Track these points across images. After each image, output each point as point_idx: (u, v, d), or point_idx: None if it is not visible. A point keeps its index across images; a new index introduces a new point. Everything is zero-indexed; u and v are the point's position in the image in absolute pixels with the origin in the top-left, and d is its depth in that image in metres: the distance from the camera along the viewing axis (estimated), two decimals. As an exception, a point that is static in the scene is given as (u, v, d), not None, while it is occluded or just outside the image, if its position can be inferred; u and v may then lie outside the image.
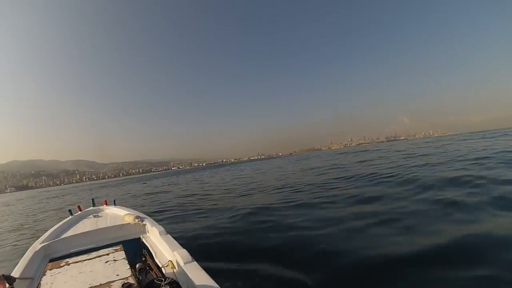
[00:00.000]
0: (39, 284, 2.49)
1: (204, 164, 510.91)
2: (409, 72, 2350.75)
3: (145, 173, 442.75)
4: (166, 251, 3.32)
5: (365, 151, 44.81)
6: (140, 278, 3.23)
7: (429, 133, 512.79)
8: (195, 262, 2.70)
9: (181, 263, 2.72)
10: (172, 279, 2.51)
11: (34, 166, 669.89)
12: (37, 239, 4.14)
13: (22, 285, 2.85)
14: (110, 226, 4.32)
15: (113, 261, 2.73)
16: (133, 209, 5.42)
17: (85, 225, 4.82)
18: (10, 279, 2.39)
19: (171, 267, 2.95)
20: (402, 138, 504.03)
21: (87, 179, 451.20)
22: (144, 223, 4.21)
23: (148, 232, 4.15)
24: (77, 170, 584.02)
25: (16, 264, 3.22)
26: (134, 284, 2.25)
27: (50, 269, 2.73)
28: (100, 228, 4.29)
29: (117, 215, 5.28)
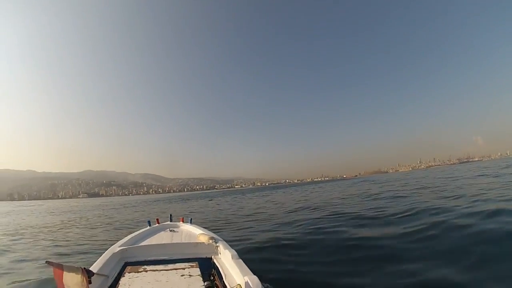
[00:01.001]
0: (118, 283, 2.80)
1: (267, 184, 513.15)
2: (481, 90, 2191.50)
3: (209, 189, 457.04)
4: (236, 274, 3.37)
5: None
6: None
7: (507, 154, 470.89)
8: None
9: None
10: None
11: (106, 176, 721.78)
12: (116, 242, 4.65)
13: (97, 280, 3.13)
14: (185, 243, 4.64)
15: (189, 276, 2.94)
16: (208, 229, 5.59)
17: (161, 237, 5.24)
18: (90, 273, 2.66)
19: None
20: (476, 159, 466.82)
21: (153, 192, 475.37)
22: (217, 244, 4.31)
23: (220, 253, 4.25)
24: (145, 182, 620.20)
25: (94, 262, 3.61)
26: None
27: (129, 272, 3.07)
28: (175, 243, 4.62)
29: (192, 233, 5.54)
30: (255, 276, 2.92)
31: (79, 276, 2.47)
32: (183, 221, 6.52)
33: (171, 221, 6.65)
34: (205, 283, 3.28)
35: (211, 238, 4.42)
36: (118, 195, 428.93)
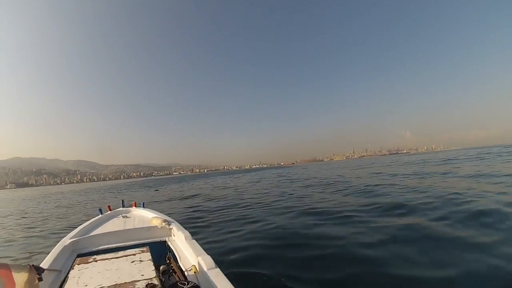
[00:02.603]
0: (67, 277, 2.63)
1: (206, 171, 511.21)
2: (412, 87, 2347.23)
3: (146, 176, 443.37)
4: (190, 256, 3.38)
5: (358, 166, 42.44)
6: (163, 280, 3.25)
7: (432, 148, 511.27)
8: (218, 269, 2.74)
9: (204, 269, 2.78)
10: (195, 283, 2.53)
11: (35, 164, 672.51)
12: (66, 234, 4.34)
13: (49, 276, 3.01)
14: (138, 228, 4.49)
15: (139, 262, 2.83)
16: (160, 212, 5.51)
17: (114, 225, 4.97)
18: (39, 270, 2.50)
19: (194, 272, 2.99)
20: (405, 151, 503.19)
21: (87, 180, 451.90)
22: (170, 227, 4.29)
23: (174, 235, 4.24)
24: (78, 170, 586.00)
25: (45, 257, 3.39)
26: (158, 285, 2.34)
27: (78, 264, 2.87)
28: (127, 229, 4.45)
29: (145, 217, 5.42)
30: (208, 256, 2.99)
31: (27, 274, 2.36)
32: (135, 206, 6.39)
33: (123, 206, 6.47)
34: (161, 267, 3.38)
35: (164, 221, 4.38)
36: (50, 184, 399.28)
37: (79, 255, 3.73)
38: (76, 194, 42.32)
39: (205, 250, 3.25)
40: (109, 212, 6.09)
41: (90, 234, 4.35)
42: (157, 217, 4.74)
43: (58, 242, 3.98)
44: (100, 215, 5.69)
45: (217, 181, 39.09)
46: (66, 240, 4.00)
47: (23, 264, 2.37)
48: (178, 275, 3.31)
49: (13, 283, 2.23)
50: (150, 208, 6.05)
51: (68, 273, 3.00)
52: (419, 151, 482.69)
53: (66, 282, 2.50)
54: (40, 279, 2.44)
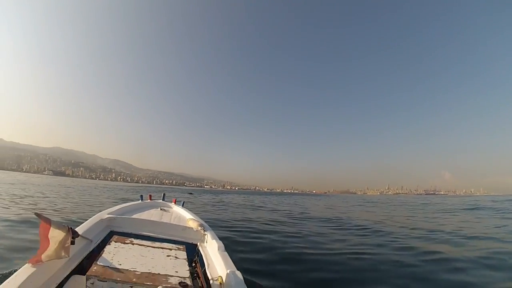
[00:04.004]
0: (103, 251, 2.71)
1: (237, 188, 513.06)
2: (455, 127, 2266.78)
3: (178, 185, 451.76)
4: (219, 266, 3.29)
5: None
6: None
7: (471, 191, 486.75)
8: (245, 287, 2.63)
9: (231, 283, 2.68)
10: None
11: (75, 156, 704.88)
12: (105, 209, 4.63)
13: (81, 243, 3.15)
14: (174, 224, 4.49)
15: (175, 258, 2.84)
16: (198, 216, 5.41)
17: (151, 214, 5.13)
18: (75, 234, 2.66)
19: (220, 283, 2.86)
20: (442, 193, 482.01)
21: (121, 179, 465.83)
22: (205, 232, 4.23)
23: (206, 242, 4.16)
24: (114, 169, 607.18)
25: (80, 224, 3.58)
26: (190, 286, 2.34)
27: (116, 241, 2.98)
28: (164, 222, 4.51)
29: (182, 216, 5.44)
30: (238, 271, 2.87)
31: (65, 234, 2.45)
32: (175, 203, 6.45)
33: (163, 200, 6.66)
34: (189, 268, 3.18)
35: (200, 225, 4.35)
36: (85, 177, 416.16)
37: (113, 232, 3.94)
38: (122, 190, 43.31)
39: (236, 265, 3.12)
40: (149, 200, 6.31)
41: (128, 216, 4.53)
42: (194, 219, 4.75)
43: (95, 214, 4.16)
44: (140, 201, 5.98)
45: (268, 201, 38.66)
46: (104, 215, 4.19)
47: (63, 224, 2.54)
48: (201, 281, 3.31)
49: (47, 237, 2.42)
50: (188, 209, 6.02)
51: (97, 245, 3.43)
52: (457, 193, 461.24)
53: (101, 255, 2.58)
54: (72, 243, 2.57)
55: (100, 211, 4.59)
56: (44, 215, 2.48)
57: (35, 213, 2.50)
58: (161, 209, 5.74)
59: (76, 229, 3.01)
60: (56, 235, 2.43)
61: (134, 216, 4.70)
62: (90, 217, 3.94)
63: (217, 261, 3.41)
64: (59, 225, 2.48)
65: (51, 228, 2.43)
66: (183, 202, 6.49)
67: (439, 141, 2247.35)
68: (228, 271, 2.87)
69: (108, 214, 4.28)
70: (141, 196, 6.30)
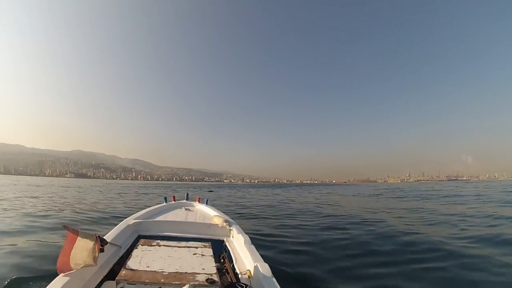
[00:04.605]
0: (130, 255, 2.83)
1: (256, 181, 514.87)
2: (475, 109, 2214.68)
3: (197, 181, 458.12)
4: (246, 260, 3.34)
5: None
6: None
7: (494, 176, 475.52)
8: (274, 279, 2.64)
9: (260, 276, 2.72)
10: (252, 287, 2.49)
11: (95, 158, 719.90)
12: (131, 215, 4.75)
13: (110, 249, 3.25)
14: (199, 222, 4.67)
15: (201, 256, 2.93)
16: (223, 212, 5.53)
17: (176, 215, 5.30)
18: (103, 242, 2.74)
19: (248, 276, 2.94)
20: (464, 178, 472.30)
21: (141, 178, 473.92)
22: (231, 228, 4.29)
23: (233, 237, 4.21)
24: (133, 168, 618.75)
25: (108, 231, 3.68)
26: (217, 281, 2.40)
27: (142, 245, 3.11)
28: (189, 221, 4.72)
29: (207, 213, 5.61)
30: (266, 264, 2.89)
31: (93, 243, 2.53)
32: (199, 201, 6.58)
33: (187, 199, 6.76)
34: (215, 265, 3.20)
35: (225, 221, 4.42)
36: (106, 178, 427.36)
37: (140, 236, 4.04)
38: (142, 188, 44.26)
39: (263, 258, 3.16)
40: (173, 202, 6.41)
41: (154, 219, 4.69)
42: (219, 216, 4.85)
43: (122, 220, 4.31)
44: (164, 203, 6.14)
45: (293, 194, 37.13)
46: (130, 220, 4.33)
47: (91, 233, 2.61)
48: (230, 276, 3.32)
49: (72, 246, 2.50)
50: (212, 206, 6.14)
51: (126, 250, 3.53)
52: (480, 178, 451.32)
53: (129, 259, 2.70)
54: (102, 250, 2.64)
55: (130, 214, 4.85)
56: (72, 227, 2.58)
57: (63, 226, 2.63)
58: (185, 209, 5.89)
59: (105, 237, 3.17)
60: (83, 244, 2.51)
61: (160, 218, 4.89)
62: (118, 224, 4.12)
63: (244, 255, 3.46)
64: (86, 235, 2.56)
65: (78, 238, 2.53)
66: (207, 200, 6.66)
67: (459, 123, 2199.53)
68: (256, 264, 2.89)
69: (135, 219, 4.41)
70: (165, 198, 6.48)
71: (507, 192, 26.89)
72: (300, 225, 9.86)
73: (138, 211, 5.10)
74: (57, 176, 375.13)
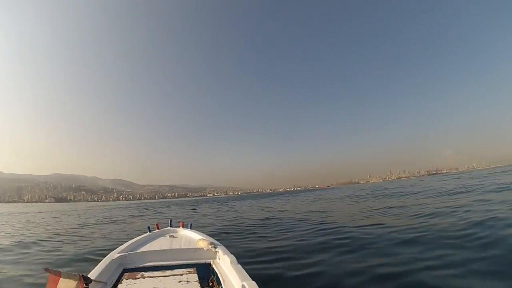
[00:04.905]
0: None
1: (240, 193, 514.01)
2: (452, 102, 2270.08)
3: (180, 197, 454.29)
4: (234, 280, 3.30)
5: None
6: None
7: (473, 166, 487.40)
8: None
9: None
10: None
11: (75, 180, 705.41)
12: (114, 249, 4.47)
13: (95, 287, 3.08)
14: (184, 248, 4.57)
15: (186, 282, 2.97)
16: (207, 234, 5.51)
17: (161, 243, 5.10)
18: (87, 280, 2.70)
19: None
20: (444, 171, 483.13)
21: (124, 198, 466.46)
22: (216, 250, 4.21)
23: (219, 259, 4.13)
24: (115, 188, 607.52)
25: (93, 268, 3.49)
26: None
27: (127, 279, 3.09)
28: (174, 248, 4.57)
29: (191, 238, 5.44)
30: (253, 281, 2.84)
31: (76, 282, 2.52)
32: (183, 226, 6.42)
33: (171, 226, 6.58)
34: None
35: (211, 243, 4.34)
36: (87, 200, 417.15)
37: (125, 270, 3.91)
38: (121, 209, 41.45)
39: (250, 276, 3.14)
40: (157, 230, 6.23)
41: (138, 251, 4.47)
42: (204, 239, 4.78)
43: (106, 255, 4.11)
44: (148, 233, 5.85)
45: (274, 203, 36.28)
46: (114, 254, 4.12)
47: (74, 273, 2.59)
48: None
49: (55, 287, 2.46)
50: (197, 230, 6.11)
51: (112, 285, 3.38)
52: (460, 170, 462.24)
53: None
54: None
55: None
56: (54, 269, 2.53)
57: (45, 269, 2.54)
58: (170, 236, 5.73)
59: (89, 274, 3.05)
60: (66, 285, 2.48)
61: (144, 249, 4.68)
62: (102, 259, 3.93)
63: (232, 276, 3.43)
64: (69, 275, 2.53)
65: (61, 279, 2.48)
66: (190, 224, 6.42)
67: (435, 118, 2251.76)
68: (243, 283, 2.84)
69: (119, 253, 4.21)
70: (148, 227, 6.20)
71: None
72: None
73: (122, 244, 4.86)
74: (36, 201, 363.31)
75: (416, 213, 11.77)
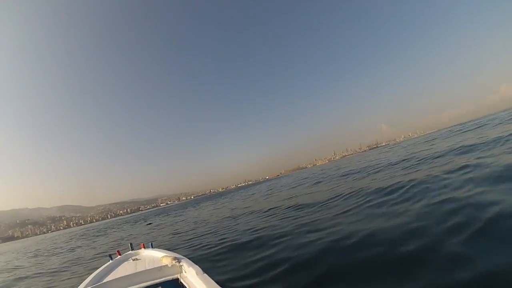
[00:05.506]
0: None
1: (193, 197, 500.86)
2: (377, 78, 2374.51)
3: (133, 212, 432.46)
4: None
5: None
6: None
7: (409, 135, 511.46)
8: None
9: None
10: None
11: (18, 215, 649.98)
12: (79, 284, 4.34)
13: None
14: (149, 269, 4.44)
15: None
16: (169, 250, 5.58)
17: (125, 269, 4.94)
18: None
19: None
20: (384, 144, 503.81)
21: (74, 225, 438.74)
22: (181, 263, 4.25)
23: (185, 272, 4.17)
24: (63, 216, 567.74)
25: None
26: None
27: None
28: (139, 271, 4.41)
29: (155, 257, 5.38)
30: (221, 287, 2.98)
31: None
32: (144, 247, 6.32)
33: (132, 249, 6.44)
34: None
35: (174, 258, 4.36)
36: (36, 234, 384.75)
37: None
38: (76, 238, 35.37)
39: (217, 283, 3.35)
40: (119, 256, 5.99)
41: (103, 281, 4.33)
42: (167, 255, 4.72)
43: None
44: (111, 261, 5.61)
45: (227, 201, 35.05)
46: None
47: None
48: None
49: None
50: (158, 248, 6.12)
51: None
52: (398, 141, 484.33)
53: None
54: None
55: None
56: None
57: None
58: (133, 260, 5.58)
59: None
60: None
61: (109, 278, 4.54)
62: None
63: (200, 287, 3.49)
64: None
65: None
66: (151, 243, 6.34)
67: (367, 95, 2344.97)
68: None
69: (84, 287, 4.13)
70: (110, 255, 5.97)
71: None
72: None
73: (85, 279, 4.69)
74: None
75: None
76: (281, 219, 9.83)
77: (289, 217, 9.78)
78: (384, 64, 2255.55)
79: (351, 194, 10.48)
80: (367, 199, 8.86)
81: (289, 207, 12.01)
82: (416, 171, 11.33)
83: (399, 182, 9.60)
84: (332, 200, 10.54)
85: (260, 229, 9.04)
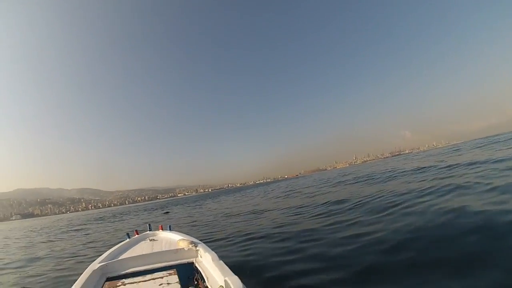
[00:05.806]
0: None
1: (210, 190, 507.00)
2: (404, 85, 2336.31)
3: (150, 200, 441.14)
4: (217, 276, 3.36)
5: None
6: None
7: (433, 145, 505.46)
8: None
9: None
10: None
11: (39, 194, 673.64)
12: (96, 259, 4.40)
13: None
14: (165, 250, 4.49)
15: (167, 284, 2.99)
16: (187, 234, 5.55)
17: (142, 248, 5.02)
18: None
19: None
20: (407, 151, 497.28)
21: (92, 207, 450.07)
22: (197, 248, 4.31)
23: (201, 257, 4.21)
24: (82, 198, 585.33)
25: (75, 280, 3.45)
26: None
27: None
28: (155, 252, 4.47)
29: (172, 239, 5.44)
30: (236, 276, 2.96)
31: None
32: (162, 229, 6.41)
33: (150, 230, 6.52)
34: None
35: (191, 242, 4.42)
36: (55, 213, 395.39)
37: (108, 279, 3.85)
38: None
39: (232, 270, 3.26)
40: (136, 236, 6.08)
41: (119, 258, 4.38)
42: (184, 239, 4.75)
43: (87, 266, 4.02)
44: (128, 239, 5.70)
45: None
46: (95, 265, 4.04)
47: None
48: None
49: None
50: (176, 231, 6.13)
51: None
52: (421, 149, 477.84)
53: None
54: None
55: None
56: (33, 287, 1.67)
57: None
58: (150, 240, 5.67)
59: (72, 287, 3.16)
60: None
61: (125, 255, 4.58)
62: (84, 270, 3.87)
63: (215, 272, 3.50)
64: None
65: None
66: (170, 226, 6.41)
67: (393, 102, 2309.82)
68: (226, 278, 2.94)
69: (100, 262, 4.13)
70: (127, 234, 6.08)
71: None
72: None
73: (103, 253, 4.76)
74: (1, 220, 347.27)
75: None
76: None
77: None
78: (421, 70, 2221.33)
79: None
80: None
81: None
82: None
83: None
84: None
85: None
